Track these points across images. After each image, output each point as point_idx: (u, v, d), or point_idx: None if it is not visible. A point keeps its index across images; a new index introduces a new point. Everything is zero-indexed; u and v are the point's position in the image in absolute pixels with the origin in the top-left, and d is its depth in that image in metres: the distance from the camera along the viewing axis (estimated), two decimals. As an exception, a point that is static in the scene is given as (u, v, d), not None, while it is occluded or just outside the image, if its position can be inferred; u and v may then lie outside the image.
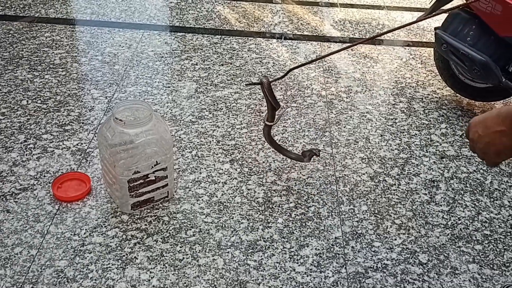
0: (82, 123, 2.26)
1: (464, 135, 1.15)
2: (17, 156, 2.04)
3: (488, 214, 1.95)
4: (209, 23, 3.21)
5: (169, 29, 3.12)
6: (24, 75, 2.55)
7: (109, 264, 1.64)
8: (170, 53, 2.85)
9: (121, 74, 2.63)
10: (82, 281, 1.58)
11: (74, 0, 3.37)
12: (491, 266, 1.74)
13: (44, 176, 1.96)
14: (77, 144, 2.13)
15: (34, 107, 2.33)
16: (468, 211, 1.96)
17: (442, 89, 2.71)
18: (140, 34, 3.02)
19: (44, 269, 1.61)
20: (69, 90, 2.47)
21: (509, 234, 1.87)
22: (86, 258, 1.66)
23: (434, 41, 2.53)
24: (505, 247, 1.82)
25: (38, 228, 1.74)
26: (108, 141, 1.69)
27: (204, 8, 3.40)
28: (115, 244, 1.71)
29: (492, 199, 2.02)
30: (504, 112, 1.00)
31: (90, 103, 2.39)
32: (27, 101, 2.37)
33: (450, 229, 1.87)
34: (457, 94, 2.64)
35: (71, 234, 1.73)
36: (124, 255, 1.67)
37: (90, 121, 2.28)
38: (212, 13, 3.34)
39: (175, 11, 3.34)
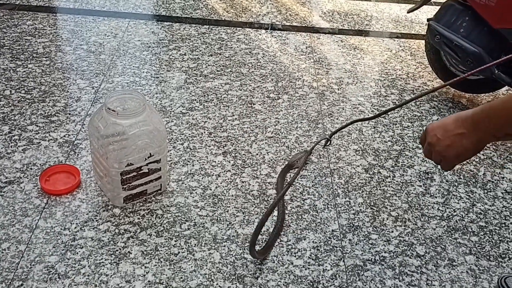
0: (69, 114, 2.19)
1: (419, 141, 1.22)
2: (1, 148, 1.96)
3: (482, 206, 1.95)
4: (196, 13, 3.14)
5: (155, 18, 3.05)
6: (7, 64, 2.45)
7: (102, 259, 1.59)
8: (158, 42, 2.79)
9: (107, 64, 2.55)
10: (75, 277, 1.52)
11: (56, -12, 3.26)
12: (488, 257, 1.74)
13: (31, 168, 1.89)
14: (64, 136, 2.06)
15: (18, 97, 2.25)
16: (463, 202, 1.96)
17: (433, 81, 2.71)
18: (125, 23, 2.94)
19: (34, 265, 1.55)
20: (54, 80, 2.39)
21: (503, 225, 1.88)
22: (77, 253, 1.60)
23: (423, 33, 2.53)
24: (500, 239, 1.82)
25: (26, 223, 1.68)
26: (100, 132, 1.63)
27: (191, -3, 3.33)
28: (108, 239, 1.65)
29: (486, 191, 2.03)
30: (463, 116, 1.04)
31: (77, 94, 2.32)
32: (10, 91, 2.28)
33: (446, 220, 1.87)
34: (448, 86, 2.64)
35: (61, 229, 1.67)
36: (117, 250, 1.62)
37: (77, 112, 2.20)
38: (199, 3, 3.27)
39: (161, 0, 3.27)
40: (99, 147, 1.67)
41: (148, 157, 1.70)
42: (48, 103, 2.24)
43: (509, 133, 0.99)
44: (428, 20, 2.40)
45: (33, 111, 2.18)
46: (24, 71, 2.42)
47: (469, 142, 1.04)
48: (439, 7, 2.41)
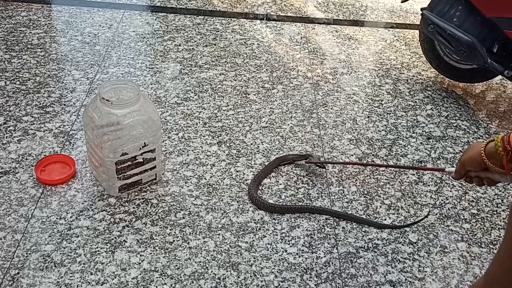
0: (64, 104, 2.19)
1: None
2: (-4, 139, 1.97)
3: (475, 194, 1.97)
4: (191, 3, 3.14)
5: (150, 9, 3.05)
6: (1, 56, 2.46)
7: (97, 247, 1.60)
8: (152, 33, 2.79)
9: (102, 54, 2.55)
10: (70, 266, 1.54)
11: (50, -21, 3.25)
12: (479, 244, 1.76)
13: (26, 159, 1.90)
14: (59, 126, 2.07)
15: (13, 88, 2.25)
16: (455, 190, 1.98)
17: (427, 70, 2.72)
18: (120, 14, 2.94)
19: (29, 254, 1.56)
20: (48, 71, 2.39)
21: (495, 212, 1.90)
22: (73, 242, 1.61)
23: (417, 23, 2.53)
24: (492, 226, 1.84)
25: (22, 212, 1.69)
26: (95, 122, 1.64)
27: (186, -12, 3.33)
28: (103, 228, 1.67)
29: (478, 179, 2.04)
30: None
31: (71, 84, 2.32)
32: (5, 82, 2.29)
33: (439, 208, 1.89)
34: (442, 76, 2.65)
35: (56, 218, 1.68)
36: (112, 239, 1.64)
37: (72, 102, 2.21)
38: (194, -7, 3.27)
39: (156, -9, 3.26)
40: (94, 137, 1.68)
41: (143, 147, 1.71)
42: (43, 94, 2.24)
43: None
44: (421, 9, 2.40)
45: (28, 102, 2.18)
46: (19, 62, 2.42)
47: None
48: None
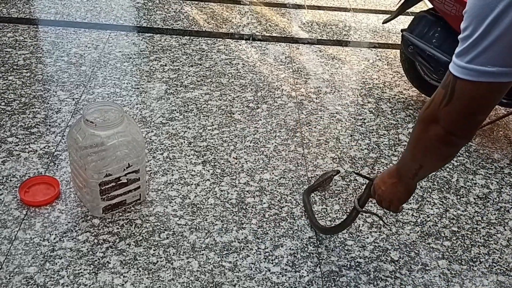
0: (49, 125, 2.20)
1: (372, 193, 1.51)
2: (-19, 160, 1.98)
3: (455, 211, 2.01)
4: (177, 24, 3.18)
5: (136, 29, 3.08)
6: (-14, 76, 2.47)
7: (80, 269, 1.61)
8: (138, 54, 2.82)
9: (88, 75, 2.57)
10: (53, 288, 1.54)
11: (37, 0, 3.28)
12: (460, 261, 1.79)
13: (10, 180, 1.90)
14: (44, 147, 2.08)
15: (-2, 109, 2.26)
16: (436, 208, 2.01)
17: (408, 89, 2.77)
18: (107, 34, 2.97)
19: (12, 276, 1.56)
20: (34, 92, 2.40)
21: (475, 230, 1.93)
22: (56, 264, 1.61)
23: (400, 43, 2.59)
24: (472, 243, 1.87)
25: (5, 234, 1.69)
26: (79, 144, 1.65)
27: (172, 8, 3.38)
28: (87, 249, 1.67)
29: (458, 197, 2.08)
30: (392, 168, 1.37)
31: (57, 105, 2.34)
32: (-10, 103, 2.30)
33: (420, 226, 1.92)
34: (423, 95, 2.70)
35: (40, 240, 1.69)
36: (96, 260, 1.64)
37: (57, 123, 2.22)
38: (180, 14, 3.31)
39: (142, 12, 3.30)
40: (78, 158, 1.69)
41: (127, 168, 1.73)
42: (28, 115, 2.25)
43: (416, 169, 1.23)
44: (402, 31, 2.46)
45: (13, 123, 2.19)
46: (4, 83, 2.43)
47: (402, 187, 1.35)
48: (413, 17, 2.48)
